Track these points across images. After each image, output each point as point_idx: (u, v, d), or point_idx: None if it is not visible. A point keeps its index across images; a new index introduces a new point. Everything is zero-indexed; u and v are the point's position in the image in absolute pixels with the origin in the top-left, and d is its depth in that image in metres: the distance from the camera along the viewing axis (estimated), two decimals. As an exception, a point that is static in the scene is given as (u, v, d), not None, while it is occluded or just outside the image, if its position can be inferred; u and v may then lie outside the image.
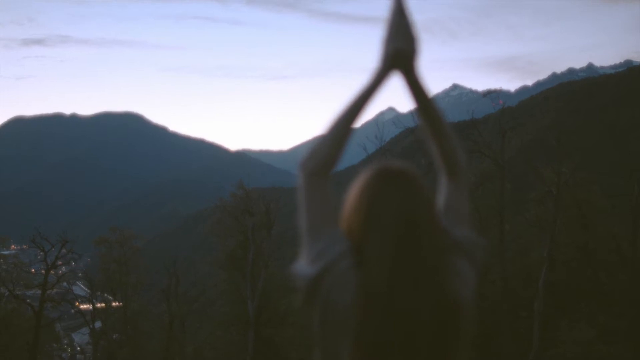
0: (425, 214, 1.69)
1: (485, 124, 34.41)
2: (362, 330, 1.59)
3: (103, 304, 35.67)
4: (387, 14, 1.84)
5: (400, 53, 1.79)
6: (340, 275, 1.65)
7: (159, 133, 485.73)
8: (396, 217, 1.66)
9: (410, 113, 23.92)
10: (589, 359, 19.72)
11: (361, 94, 1.84)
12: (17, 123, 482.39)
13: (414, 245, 1.64)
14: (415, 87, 1.83)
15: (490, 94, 30.75)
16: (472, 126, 29.03)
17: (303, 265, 1.73)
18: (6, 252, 40.92)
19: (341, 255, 1.68)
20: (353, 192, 1.79)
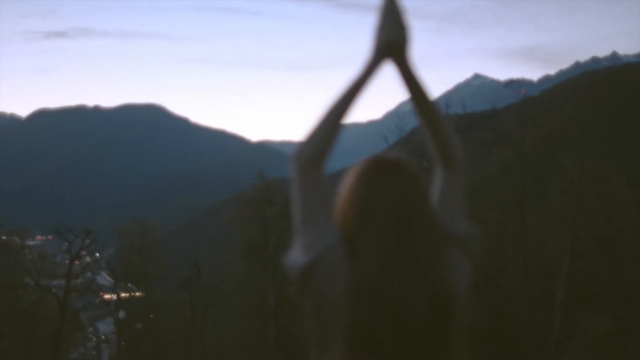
0: (419, 206, 1.69)
1: (507, 113, 34.14)
2: (353, 323, 1.59)
3: (126, 294, 35.99)
4: (379, 3, 1.83)
5: (391, 42, 1.79)
6: (332, 266, 1.64)
7: (181, 124, 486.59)
8: (389, 208, 1.66)
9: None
10: (609, 351, 19.57)
11: (353, 85, 1.83)
12: (41, 115, 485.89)
13: (406, 238, 1.63)
14: (408, 76, 1.82)
15: (512, 84, 30.70)
16: (493, 116, 28.89)
17: (295, 256, 1.74)
18: (31, 243, 41.41)
19: (333, 246, 1.68)
20: (347, 183, 1.79)
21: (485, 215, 26.79)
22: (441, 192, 1.90)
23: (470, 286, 1.75)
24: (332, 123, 1.82)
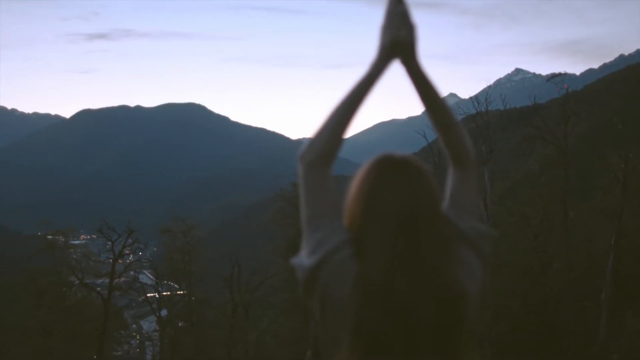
0: (427, 204, 1.67)
1: (550, 109, 33.52)
2: (360, 323, 1.58)
3: (168, 292, 36.39)
4: (385, 2, 1.81)
5: (397, 42, 1.76)
6: (339, 266, 1.64)
7: (221, 123, 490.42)
8: (396, 207, 1.65)
9: (471, 99, 23.38)
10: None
11: (360, 85, 1.82)
12: (85, 115, 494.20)
13: (414, 236, 1.62)
14: (416, 76, 1.79)
15: (554, 78, 30.04)
16: (535, 111, 28.47)
17: (302, 257, 1.73)
18: (76, 242, 42.14)
19: (340, 245, 1.67)
20: (355, 182, 1.78)
21: (528, 212, 26.47)
22: (452, 191, 1.88)
23: (482, 287, 1.74)
24: (339, 123, 1.80)
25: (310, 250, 1.71)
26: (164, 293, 35.43)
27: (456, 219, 1.80)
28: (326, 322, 1.67)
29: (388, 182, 1.70)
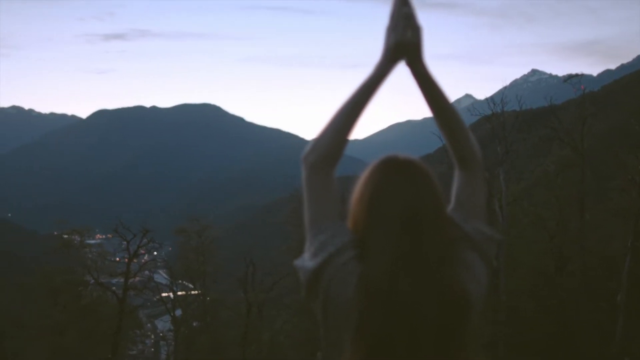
0: (431, 206, 1.67)
1: (566, 110, 33.35)
2: (363, 325, 1.57)
3: (183, 292, 36.52)
4: (390, 3, 1.81)
5: (402, 44, 1.76)
6: (341, 268, 1.64)
7: (236, 123, 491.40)
8: (399, 208, 1.65)
9: (487, 100, 23.31)
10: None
11: (364, 86, 1.80)
12: (101, 115, 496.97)
13: (417, 238, 1.62)
14: (422, 77, 1.79)
15: (571, 79, 29.86)
16: (551, 112, 28.31)
17: (305, 258, 1.73)
18: (92, 242, 42.36)
19: (342, 247, 1.67)
20: (359, 183, 1.78)
21: (544, 213, 26.34)
22: (458, 193, 1.88)
23: (486, 289, 1.73)
24: (343, 124, 1.79)
25: (313, 252, 1.71)
26: (179, 293, 35.56)
27: (461, 221, 1.80)
28: (329, 324, 1.68)
29: (392, 184, 1.70)
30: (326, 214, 1.75)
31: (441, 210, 1.71)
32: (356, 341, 1.58)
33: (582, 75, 32.45)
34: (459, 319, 1.61)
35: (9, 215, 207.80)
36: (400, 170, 1.72)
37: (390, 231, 1.63)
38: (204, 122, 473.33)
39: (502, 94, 27.38)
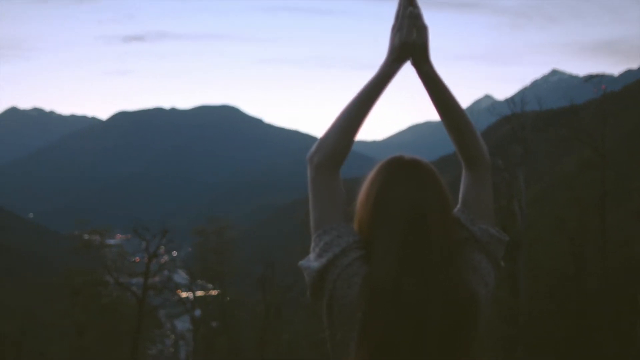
0: (436, 206, 1.66)
1: (586, 110, 33.09)
2: (368, 326, 1.57)
3: (202, 292, 36.65)
4: (396, 3, 1.81)
5: (407, 44, 1.76)
6: (346, 268, 1.64)
7: (255, 124, 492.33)
8: (405, 208, 1.64)
9: (507, 101, 23.17)
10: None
11: (370, 86, 1.80)
12: (121, 116, 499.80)
13: (423, 238, 1.61)
14: (427, 78, 1.79)
15: (591, 79, 29.62)
16: (571, 113, 28.11)
17: (310, 259, 1.73)
18: (111, 242, 42.63)
19: (347, 248, 1.67)
20: (364, 184, 1.77)
21: (564, 214, 26.12)
22: (465, 194, 1.87)
23: (492, 290, 1.73)
24: (348, 125, 1.79)
25: (318, 253, 1.71)
26: (198, 293, 35.69)
27: (467, 222, 1.80)
28: (334, 325, 1.68)
29: (397, 184, 1.69)
30: (331, 215, 1.75)
31: (447, 211, 1.70)
32: (361, 342, 1.58)
33: (603, 75, 32.17)
34: (465, 320, 1.60)
35: (31, 215, 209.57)
36: (405, 171, 1.72)
37: (395, 232, 1.62)
38: (223, 123, 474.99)
39: (522, 94, 27.23)
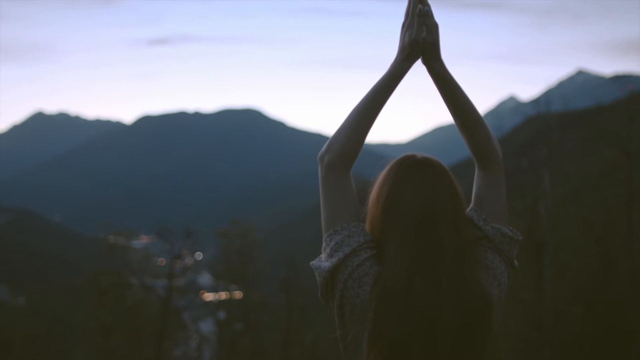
0: (448, 206, 1.65)
1: (612, 110, 32.78)
2: (380, 325, 1.57)
3: (226, 294, 36.80)
4: (407, 1, 1.80)
5: (417, 42, 1.74)
6: (357, 268, 1.63)
7: (278, 128, 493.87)
8: (416, 207, 1.63)
9: (532, 102, 23.07)
10: None
11: (379, 86, 1.79)
12: (145, 120, 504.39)
13: (434, 237, 1.60)
14: (438, 76, 1.77)
15: (618, 79, 29.38)
16: (597, 113, 27.87)
17: (321, 259, 1.73)
18: (137, 244, 42.97)
19: (358, 248, 1.66)
20: (376, 183, 1.77)
21: (591, 215, 25.87)
22: (478, 193, 1.85)
23: (506, 290, 1.73)
24: (359, 124, 1.79)
25: (329, 253, 1.71)
26: (222, 295, 35.84)
27: (480, 221, 1.78)
28: (345, 324, 1.68)
29: (408, 183, 1.69)
30: (343, 214, 1.74)
31: (459, 210, 1.69)
32: (372, 342, 1.58)
33: (630, 74, 31.85)
34: (477, 320, 1.59)
35: (57, 218, 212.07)
36: (417, 170, 1.71)
37: (406, 231, 1.62)
38: (246, 127, 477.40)
39: (547, 94, 27.05)
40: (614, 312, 22.34)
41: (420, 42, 1.74)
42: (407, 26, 1.76)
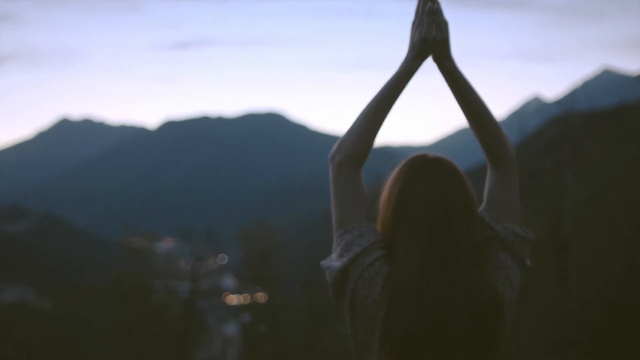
0: (460, 205, 1.64)
1: (638, 109, 32.51)
2: (390, 325, 1.56)
3: (249, 296, 36.93)
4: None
5: (427, 40, 1.73)
6: (368, 268, 1.63)
7: (300, 131, 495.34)
8: (427, 207, 1.62)
9: (557, 102, 22.94)
10: None
11: (389, 85, 1.78)
12: (169, 126, 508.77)
13: (446, 237, 1.59)
14: (449, 74, 1.76)
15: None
16: (622, 112, 27.61)
17: (332, 259, 1.73)
18: (159, 246, 43.29)
19: (369, 247, 1.66)
20: (387, 183, 1.76)
21: (615, 216, 25.62)
22: (490, 192, 1.83)
23: (518, 290, 1.71)
24: (369, 123, 1.79)
25: (340, 253, 1.71)
26: (245, 297, 35.97)
27: (492, 221, 1.76)
28: (356, 324, 1.69)
29: (419, 183, 1.68)
30: (353, 214, 1.74)
31: (471, 209, 1.69)
32: (383, 341, 1.58)
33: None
34: (490, 320, 1.59)
35: (82, 223, 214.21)
36: (428, 169, 1.70)
37: (417, 231, 1.62)
38: (268, 131, 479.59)
39: (572, 93, 26.87)
40: (637, 313, 22.12)
41: (430, 40, 1.73)
42: (417, 24, 1.76)
